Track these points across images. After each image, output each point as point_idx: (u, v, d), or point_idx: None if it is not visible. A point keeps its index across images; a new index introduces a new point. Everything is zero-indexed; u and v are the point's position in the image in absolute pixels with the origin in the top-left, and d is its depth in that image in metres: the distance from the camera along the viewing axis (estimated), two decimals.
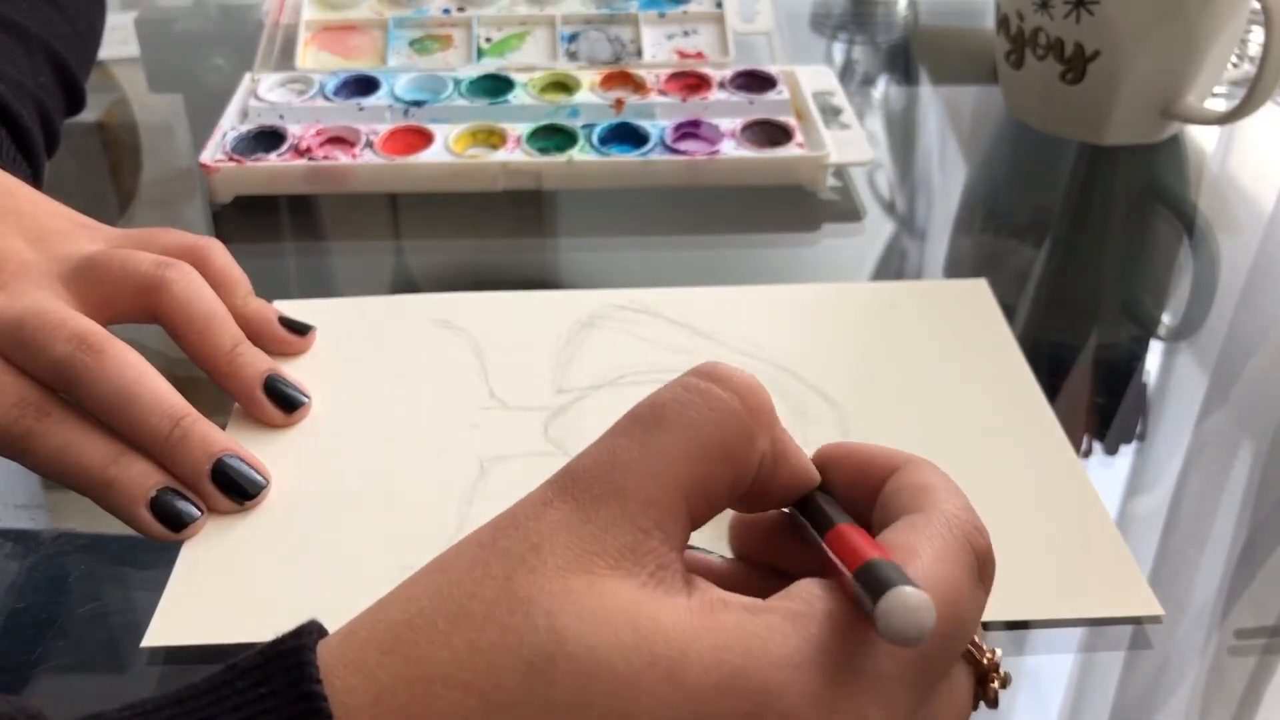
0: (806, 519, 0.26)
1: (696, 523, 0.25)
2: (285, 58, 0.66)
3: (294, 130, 0.59)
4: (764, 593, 0.24)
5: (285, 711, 0.21)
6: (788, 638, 0.22)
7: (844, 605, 0.23)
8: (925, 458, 0.28)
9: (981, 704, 0.26)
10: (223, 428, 0.40)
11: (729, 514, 0.30)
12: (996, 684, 0.26)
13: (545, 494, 0.24)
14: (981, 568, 0.25)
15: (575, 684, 0.21)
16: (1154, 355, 0.50)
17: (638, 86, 0.63)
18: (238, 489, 0.38)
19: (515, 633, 0.22)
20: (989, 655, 0.26)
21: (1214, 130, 0.65)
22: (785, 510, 0.28)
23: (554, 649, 0.21)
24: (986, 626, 0.36)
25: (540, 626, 0.22)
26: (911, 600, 0.21)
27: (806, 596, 0.23)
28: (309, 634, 0.22)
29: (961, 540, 0.24)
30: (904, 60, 0.78)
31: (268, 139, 0.59)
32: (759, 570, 0.29)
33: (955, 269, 0.56)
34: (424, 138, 0.58)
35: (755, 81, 0.63)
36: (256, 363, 0.42)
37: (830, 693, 0.21)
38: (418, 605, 0.23)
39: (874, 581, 0.21)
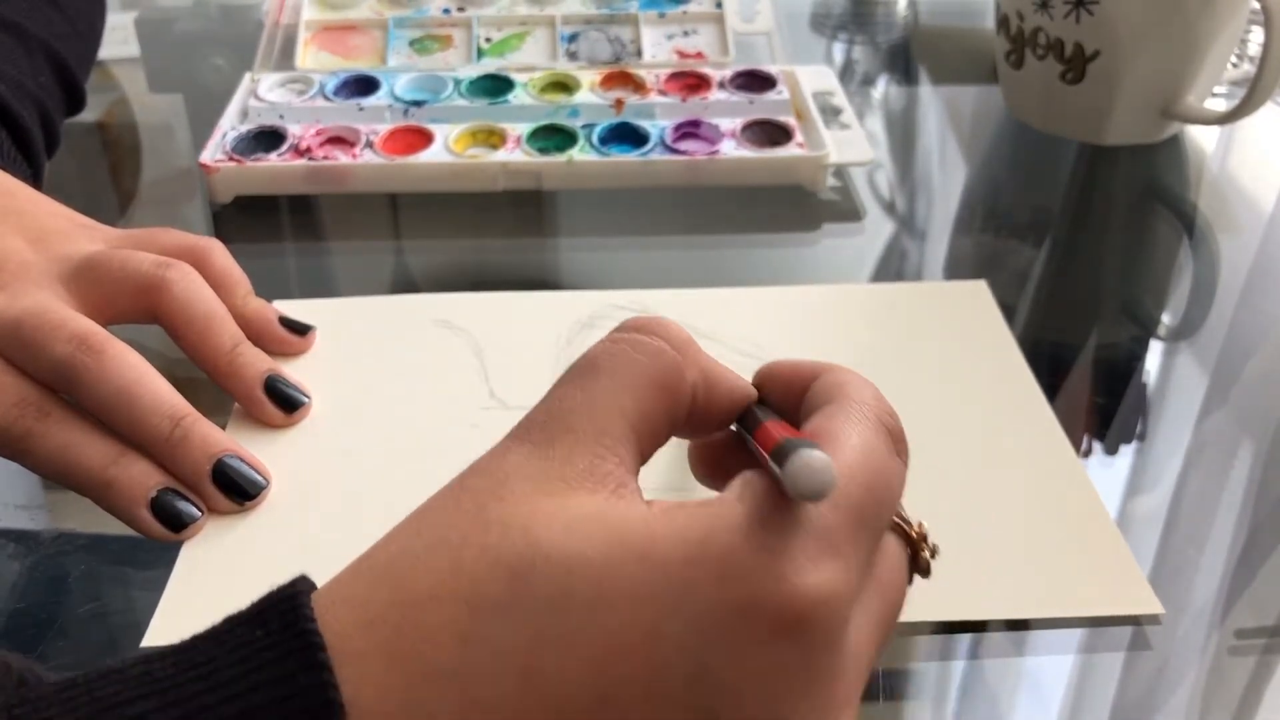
0: (743, 426, 0.29)
1: (645, 452, 0.27)
2: (285, 58, 0.67)
3: (294, 130, 0.59)
4: None
5: (283, 648, 0.22)
6: (737, 512, 0.24)
7: (772, 485, 0.25)
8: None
9: (916, 576, 0.28)
10: (223, 428, 0.40)
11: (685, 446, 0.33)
12: (927, 553, 0.28)
13: (504, 443, 0.26)
14: (896, 444, 0.27)
15: (556, 579, 0.22)
16: (1154, 355, 0.50)
17: (638, 86, 0.63)
18: (238, 489, 0.38)
19: (494, 548, 0.23)
20: (917, 527, 0.28)
21: (1214, 130, 0.65)
22: (732, 430, 0.31)
23: (532, 554, 0.23)
24: (985, 627, 0.36)
25: (517, 539, 0.23)
26: (812, 459, 0.23)
27: (747, 481, 0.25)
28: (302, 582, 0.24)
29: (874, 419, 0.27)
30: (904, 60, 0.78)
31: (268, 139, 0.59)
32: None
33: (955, 269, 0.56)
34: (424, 138, 0.58)
35: (755, 81, 0.63)
36: (257, 363, 0.42)
37: (782, 546, 0.23)
38: (398, 544, 0.24)
39: (782, 454, 0.24)
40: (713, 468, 0.33)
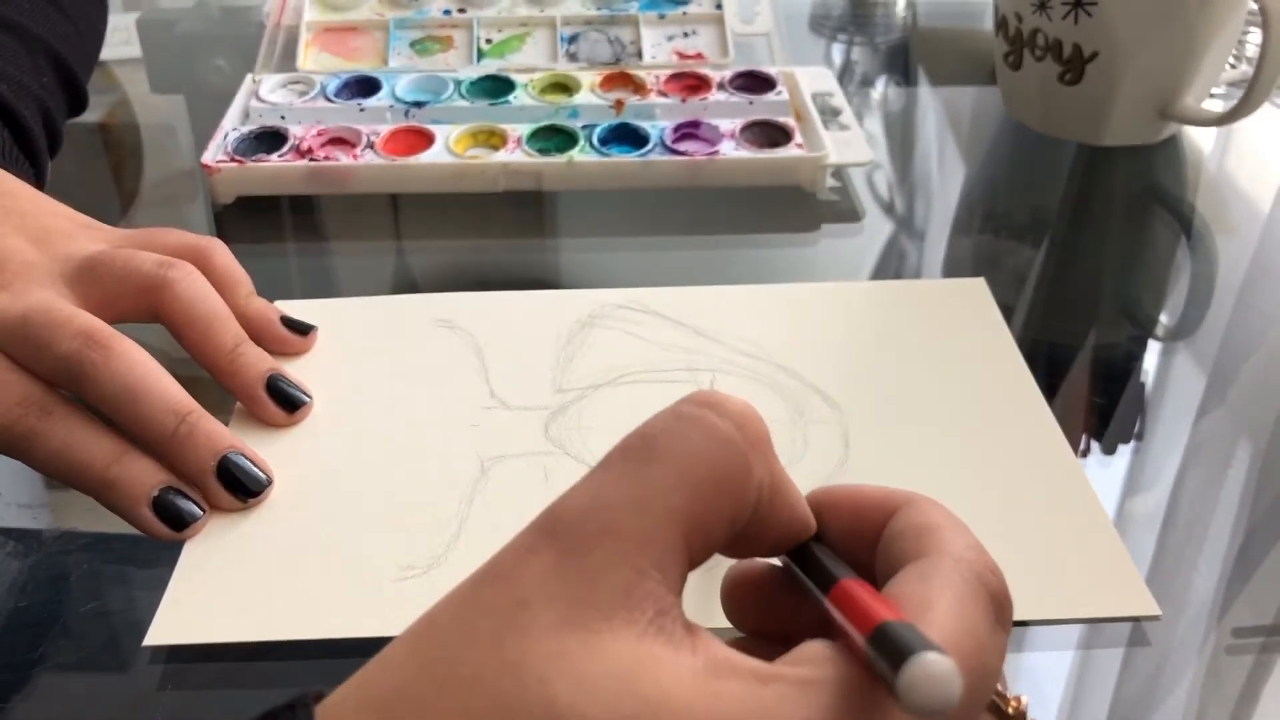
0: (805, 573, 0.25)
1: (695, 563, 0.23)
2: (286, 59, 0.67)
3: (295, 131, 0.59)
4: (765, 658, 0.22)
5: None
6: (799, 707, 0.20)
7: (857, 671, 0.21)
8: (929, 495, 0.26)
9: None
10: None
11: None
12: None
13: (529, 539, 0.22)
14: (999, 611, 0.23)
15: None
16: (1152, 355, 0.50)
17: (638, 87, 0.63)
18: (241, 487, 0.38)
19: (506, 703, 0.20)
20: (1014, 703, 0.25)
21: (1212, 131, 0.65)
22: (778, 563, 0.27)
23: (547, 716, 0.20)
24: None
25: (533, 695, 0.20)
26: (935, 668, 0.19)
27: (817, 661, 0.21)
28: (303, 703, 0.21)
29: (976, 585, 0.23)
30: (903, 61, 0.78)
31: (269, 140, 0.59)
32: (757, 637, 0.27)
33: (954, 269, 0.56)
34: (425, 138, 0.59)
35: (755, 82, 0.64)
36: (258, 362, 0.42)
37: None
38: (405, 674, 0.21)
39: (891, 648, 0.20)
40: (751, 606, 0.27)
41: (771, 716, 0.20)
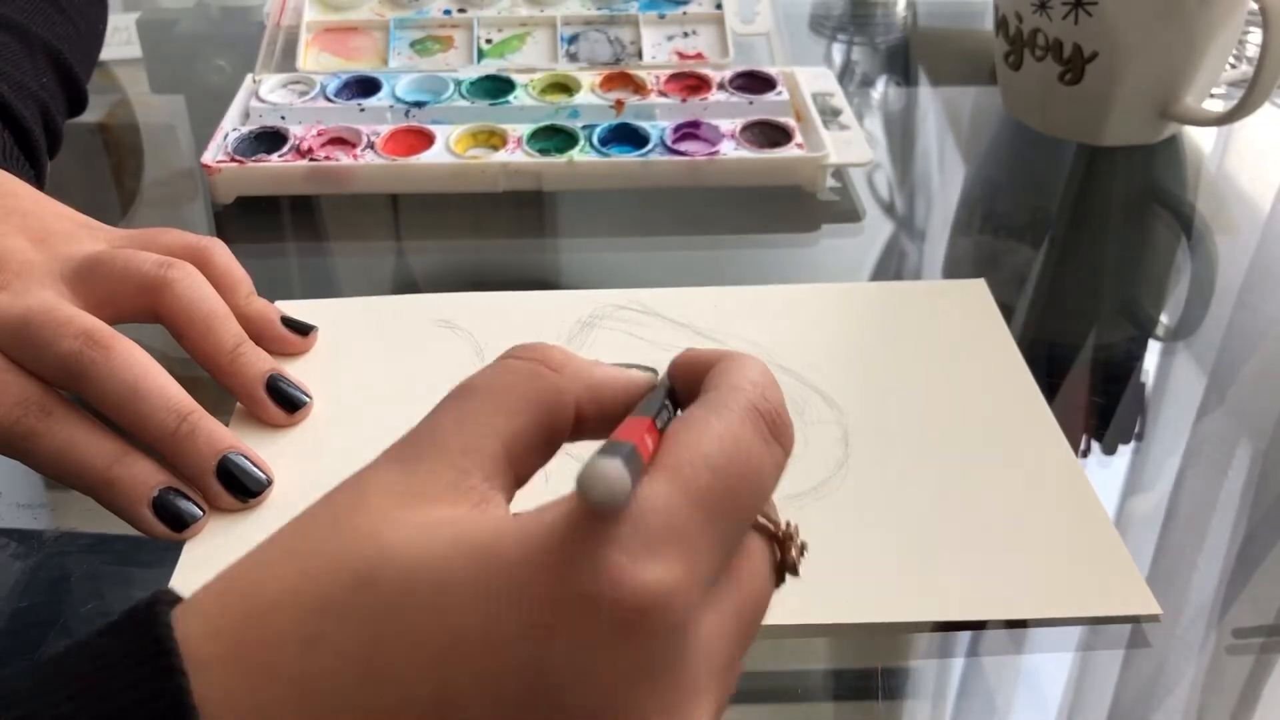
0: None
1: (521, 470, 0.26)
2: (287, 59, 0.67)
3: (295, 131, 0.59)
4: None
5: (138, 656, 0.22)
6: (578, 508, 0.23)
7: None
8: (744, 352, 0.29)
9: (787, 575, 0.27)
10: None
11: None
12: (795, 552, 0.27)
13: (374, 461, 0.26)
14: (771, 427, 0.26)
15: (398, 581, 0.22)
16: (1152, 355, 0.50)
17: (638, 87, 0.63)
18: (241, 487, 0.38)
19: (341, 554, 0.23)
20: (785, 526, 0.27)
21: (1212, 131, 0.65)
22: None
23: (379, 557, 0.23)
24: (984, 625, 0.36)
25: (365, 544, 0.23)
26: (602, 467, 0.22)
27: None
28: (163, 593, 0.24)
29: (745, 404, 0.26)
30: (903, 61, 0.78)
31: (269, 140, 0.59)
32: None
33: (954, 269, 0.56)
34: (425, 139, 0.59)
35: (755, 82, 0.64)
36: (258, 362, 0.42)
37: (619, 539, 0.22)
38: (254, 556, 0.24)
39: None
40: None
41: (552, 523, 0.23)
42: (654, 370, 0.29)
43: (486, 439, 0.26)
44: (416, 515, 0.24)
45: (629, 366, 0.29)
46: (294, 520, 0.25)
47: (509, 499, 0.26)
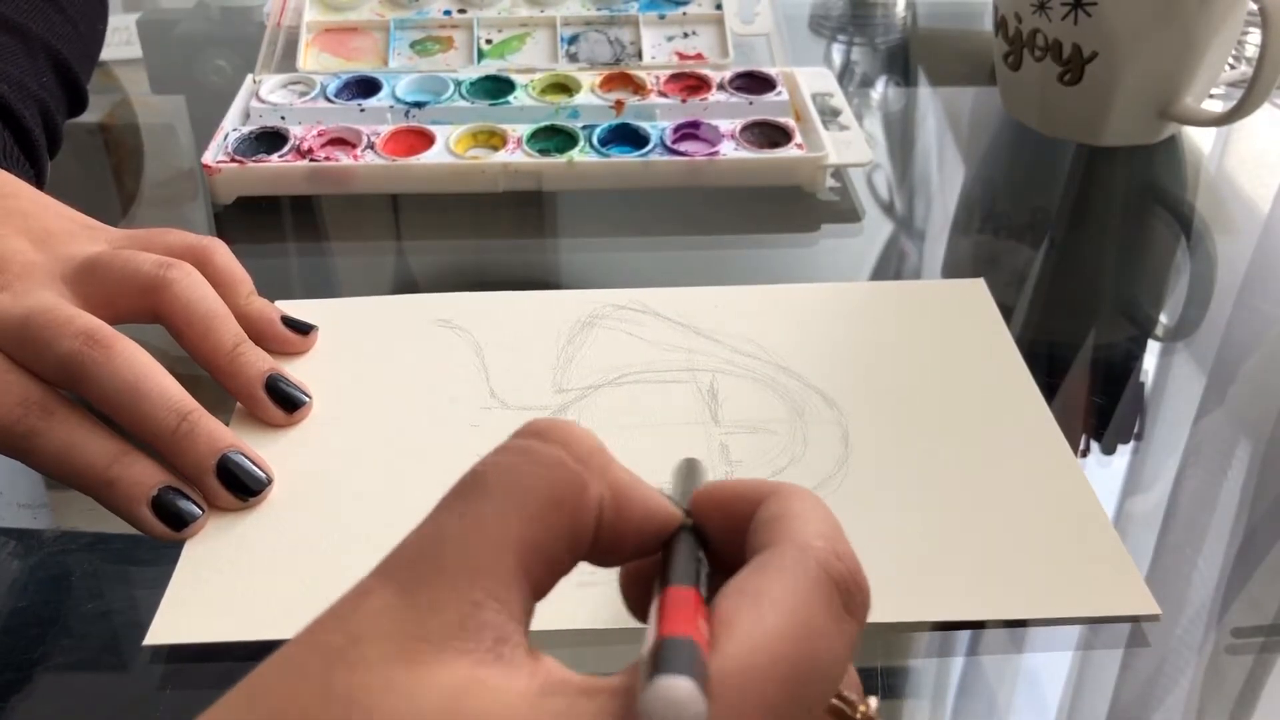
0: (660, 573, 0.24)
1: (539, 588, 0.23)
2: (287, 59, 0.67)
3: (295, 131, 0.59)
4: None
5: None
6: (621, 710, 0.20)
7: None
8: (797, 485, 0.25)
9: None
10: None
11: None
12: None
13: (367, 582, 0.22)
14: (845, 598, 0.22)
15: None
16: (1151, 355, 0.50)
17: (638, 88, 0.63)
18: (241, 486, 0.38)
19: None
20: (863, 708, 0.24)
21: (1211, 131, 0.66)
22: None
23: None
24: (982, 625, 0.36)
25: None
26: (672, 693, 0.19)
27: (631, 672, 0.21)
28: None
29: (816, 574, 0.22)
30: (902, 62, 0.78)
31: (269, 140, 0.59)
32: None
33: (953, 269, 0.56)
34: (425, 139, 0.59)
35: (754, 83, 0.64)
36: (258, 362, 0.42)
37: None
38: (234, 715, 0.21)
39: (658, 665, 0.19)
40: (638, 598, 0.27)
41: None
42: (683, 507, 0.25)
43: (501, 556, 0.22)
44: (418, 680, 0.20)
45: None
46: (275, 664, 0.21)
47: (528, 623, 0.22)
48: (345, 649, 0.20)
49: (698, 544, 0.24)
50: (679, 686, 0.19)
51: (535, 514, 0.22)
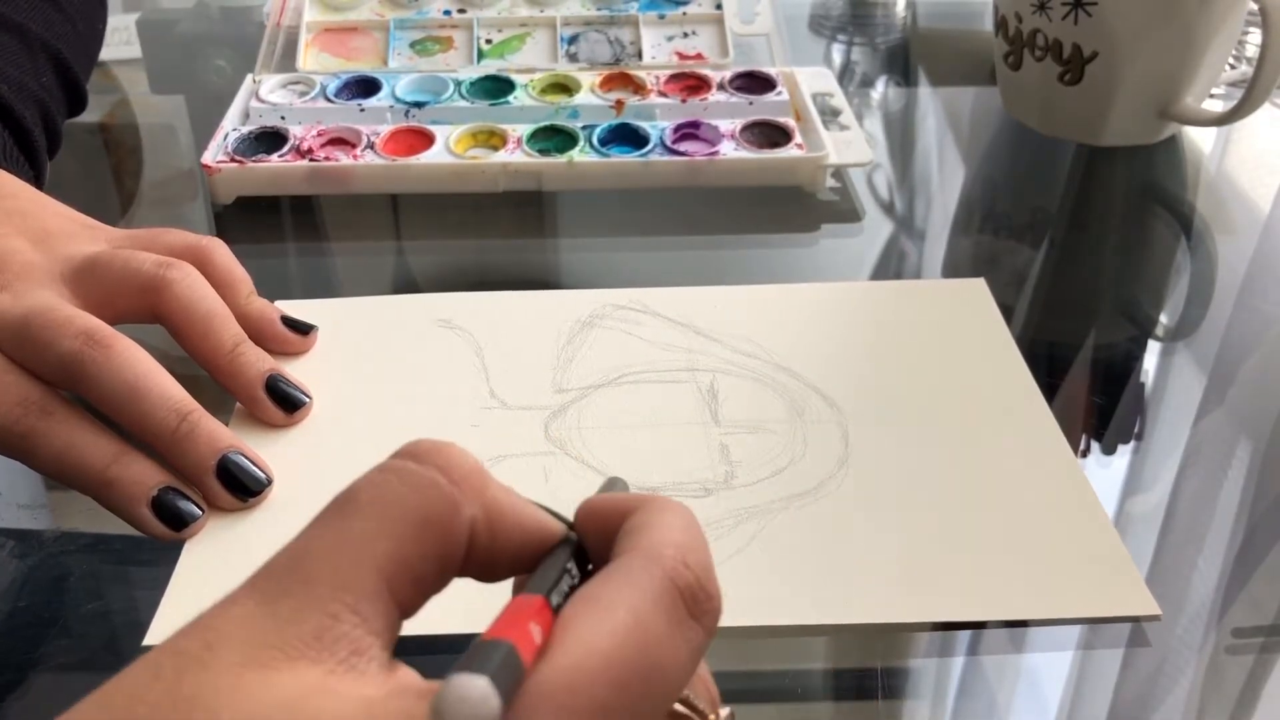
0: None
1: (406, 605, 0.23)
2: (286, 59, 0.67)
3: (295, 131, 0.59)
4: None
5: None
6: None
7: None
8: (667, 498, 0.25)
9: None
10: None
11: None
12: None
13: (235, 592, 0.22)
14: (691, 605, 0.22)
15: None
16: (1151, 355, 0.50)
17: (638, 88, 0.63)
18: (241, 486, 0.38)
19: None
20: (712, 717, 0.23)
21: (1211, 131, 0.66)
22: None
23: None
24: (982, 625, 0.36)
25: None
26: (462, 690, 0.19)
27: None
28: None
29: (658, 578, 0.22)
30: (903, 62, 0.78)
31: (269, 140, 0.59)
32: None
33: (954, 269, 0.56)
34: (425, 139, 0.59)
35: (754, 83, 0.64)
36: (258, 362, 0.42)
37: None
38: (86, 716, 0.21)
39: (460, 667, 0.20)
40: None
41: None
42: (570, 525, 0.25)
43: (365, 571, 0.22)
44: (266, 683, 0.20)
45: (544, 509, 0.25)
46: (134, 666, 0.21)
47: (392, 637, 0.22)
48: (200, 654, 0.21)
49: (572, 557, 0.24)
50: (473, 685, 0.19)
51: (404, 532, 0.22)
